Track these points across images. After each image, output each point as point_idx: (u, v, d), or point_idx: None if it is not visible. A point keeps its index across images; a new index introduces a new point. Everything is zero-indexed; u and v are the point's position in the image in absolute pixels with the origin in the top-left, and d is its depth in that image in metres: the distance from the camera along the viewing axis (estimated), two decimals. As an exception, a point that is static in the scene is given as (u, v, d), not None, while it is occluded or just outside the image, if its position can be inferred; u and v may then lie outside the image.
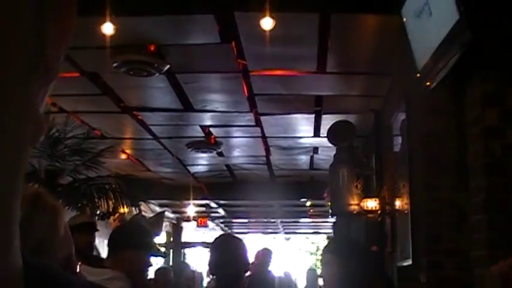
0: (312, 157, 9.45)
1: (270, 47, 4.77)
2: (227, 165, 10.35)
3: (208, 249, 3.18)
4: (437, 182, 3.94)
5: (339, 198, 6.39)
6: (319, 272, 6.79)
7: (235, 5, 4.35)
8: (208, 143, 8.29)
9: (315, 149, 8.85)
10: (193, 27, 4.78)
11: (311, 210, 13.14)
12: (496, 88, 3.07)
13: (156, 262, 6.20)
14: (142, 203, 8.79)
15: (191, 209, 12.85)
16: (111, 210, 6.93)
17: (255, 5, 4.16)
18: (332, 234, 12.55)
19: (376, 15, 4.49)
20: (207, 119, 7.41)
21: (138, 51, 5.04)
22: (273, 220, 16.62)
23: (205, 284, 10.66)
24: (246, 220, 16.63)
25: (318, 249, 22.81)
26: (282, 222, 17.33)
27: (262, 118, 7.22)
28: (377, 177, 6.39)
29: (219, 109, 6.90)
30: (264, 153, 9.21)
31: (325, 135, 6.86)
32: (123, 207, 7.02)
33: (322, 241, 19.88)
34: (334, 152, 6.68)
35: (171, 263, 12.42)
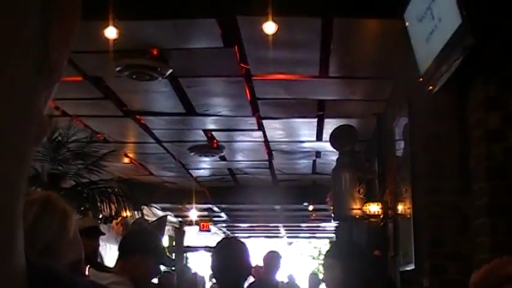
0: (314, 161, 9.44)
1: (272, 51, 4.77)
2: (229, 169, 10.35)
3: (211, 253, 3.18)
4: (440, 185, 3.94)
5: (341, 202, 6.38)
6: (321, 276, 6.77)
7: (238, 9, 4.36)
8: (210, 147, 8.30)
9: (318, 153, 8.85)
10: (195, 32, 4.79)
11: (313, 215, 13.12)
12: (499, 92, 3.07)
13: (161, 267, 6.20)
14: (145, 207, 8.79)
15: (193, 213, 12.85)
16: (113, 214, 6.94)
17: (258, 9, 4.17)
18: (334, 239, 12.54)
19: (379, 20, 4.49)
20: (210, 123, 7.42)
21: (140, 55, 5.05)
22: (275, 224, 16.60)
23: (207, 287, 10.63)
24: (248, 224, 16.62)
25: (320, 254, 22.78)
26: (284, 226, 17.31)
27: (265, 122, 7.23)
28: (379, 182, 6.39)
29: (222, 113, 6.91)
30: (267, 158, 9.21)
31: (328, 139, 6.86)
32: (126, 211, 7.03)
33: (324, 245, 19.87)
34: (336, 156, 6.68)
35: (173, 268, 12.41)
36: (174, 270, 7.97)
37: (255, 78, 5.72)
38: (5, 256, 0.36)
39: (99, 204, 6.62)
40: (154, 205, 11.62)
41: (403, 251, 5.03)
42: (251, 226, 17.01)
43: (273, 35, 4.36)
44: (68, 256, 1.46)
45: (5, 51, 0.33)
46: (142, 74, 5.22)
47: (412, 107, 4.67)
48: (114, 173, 7.80)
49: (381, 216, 6.10)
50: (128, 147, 8.77)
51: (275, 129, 7.54)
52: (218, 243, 3.21)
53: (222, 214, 14.18)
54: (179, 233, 15.23)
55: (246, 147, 8.68)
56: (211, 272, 3.09)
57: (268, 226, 17.11)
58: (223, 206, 13.17)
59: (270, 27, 4.27)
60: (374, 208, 6.12)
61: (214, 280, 3.63)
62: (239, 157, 9.42)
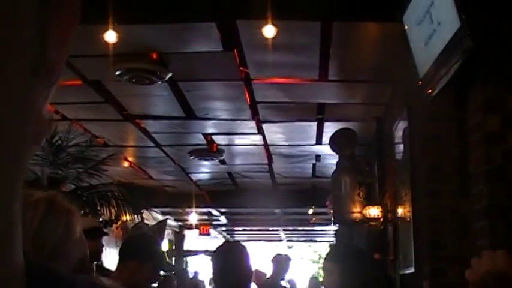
0: (314, 165, 9.44)
1: (272, 55, 4.78)
2: (229, 173, 10.35)
3: (211, 256, 3.17)
4: (439, 188, 3.94)
5: (341, 206, 6.38)
6: (321, 280, 6.76)
7: (237, 13, 4.36)
8: (210, 150, 8.30)
9: (317, 157, 8.85)
10: (195, 35, 4.80)
11: (313, 218, 13.12)
12: (497, 94, 3.08)
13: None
14: (145, 211, 8.79)
15: (193, 217, 12.84)
16: (113, 218, 6.93)
17: (257, 13, 4.18)
18: (334, 242, 12.53)
19: (378, 23, 4.50)
20: (209, 127, 7.42)
21: (140, 59, 5.06)
22: (275, 228, 16.59)
23: (207, 292, 10.61)
24: (248, 228, 16.60)
25: (320, 258, 22.75)
26: (284, 230, 17.29)
27: (265, 126, 7.23)
28: (379, 185, 6.39)
29: (221, 117, 6.91)
30: (266, 161, 9.21)
31: (327, 143, 6.86)
32: (126, 215, 7.02)
33: (324, 249, 19.84)
34: (336, 160, 6.68)
35: (173, 272, 12.39)
36: (174, 274, 7.96)
37: (254, 81, 5.73)
38: (3, 255, 0.36)
39: (99, 208, 6.62)
40: (154, 209, 11.62)
41: (403, 254, 5.03)
42: (251, 230, 17.00)
43: (273, 38, 4.37)
44: (76, 254, 1.47)
45: (1, 50, 0.33)
46: (141, 77, 5.22)
47: (412, 110, 4.67)
48: (114, 177, 7.79)
49: (381, 220, 6.09)
50: (128, 151, 8.78)
51: (275, 132, 7.55)
52: (219, 246, 3.21)
53: (222, 218, 14.17)
54: (179, 237, 15.22)
55: (245, 150, 8.68)
56: (211, 276, 3.08)
57: (268, 230, 17.09)
58: (223, 209, 13.17)
59: (269, 31, 4.28)
60: (374, 211, 6.11)
61: (214, 284, 3.62)
62: (239, 161, 9.42)
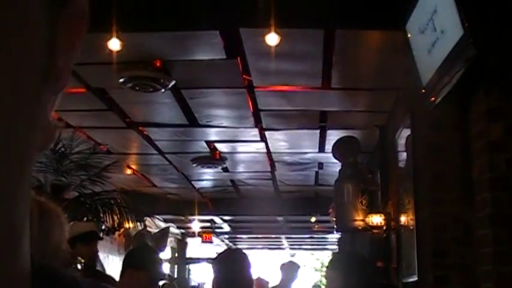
0: (317, 173, 9.44)
1: (275, 63, 4.79)
2: (232, 181, 10.34)
3: (212, 263, 3.16)
4: (443, 196, 3.93)
5: (343, 213, 6.37)
6: (324, 288, 6.74)
7: (241, 21, 4.38)
8: (213, 158, 8.30)
9: (320, 165, 8.84)
10: (198, 43, 4.81)
11: (316, 226, 13.09)
12: (500, 102, 3.08)
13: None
14: (148, 218, 8.79)
15: (196, 225, 12.83)
16: (116, 225, 6.94)
17: (260, 21, 4.19)
18: (337, 250, 12.50)
19: (381, 31, 4.51)
20: (212, 135, 7.42)
21: (144, 67, 5.07)
22: (277, 236, 16.56)
23: (209, 299, 10.56)
24: (250, 236, 16.58)
25: (323, 266, 22.68)
26: (286, 237, 17.26)
27: (267, 133, 7.23)
28: (382, 193, 6.38)
29: (224, 124, 6.92)
30: (269, 169, 9.20)
31: (330, 150, 6.86)
32: (128, 222, 7.03)
33: (327, 257, 19.78)
34: (339, 168, 6.68)
35: (174, 279, 12.37)
36: (175, 281, 7.95)
37: (257, 89, 5.74)
38: (11, 258, 0.36)
39: (101, 215, 6.62)
40: (157, 216, 11.61)
41: (406, 262, 5.01)
42: (253, 237, 16.97)
43: (276, 46, 4.38)
44: (65, 251, 1.48)
45: (13, 59, 0.34)
46: (145, 85, 5.24)
47: (415, 118, 4.67)
48: (117, 184, 7.81)
49: (384, 228, 6.08)
50: (131, 158, 8.78)
51: (277, 140, 7.55)
52: (220, 253, 3.20)
53: (225, 225, 14.16)
54: (181, 245, 15.20)
55: (248, 158, 8.68)
56: (212, 284, 3.07)
57: (271, 237, 17.07)
58: (225, 217, 13.15)
59: (272, 39, 4.29)
60: (377, 219, 6.10)
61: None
62: (241, 168, 9.42)
